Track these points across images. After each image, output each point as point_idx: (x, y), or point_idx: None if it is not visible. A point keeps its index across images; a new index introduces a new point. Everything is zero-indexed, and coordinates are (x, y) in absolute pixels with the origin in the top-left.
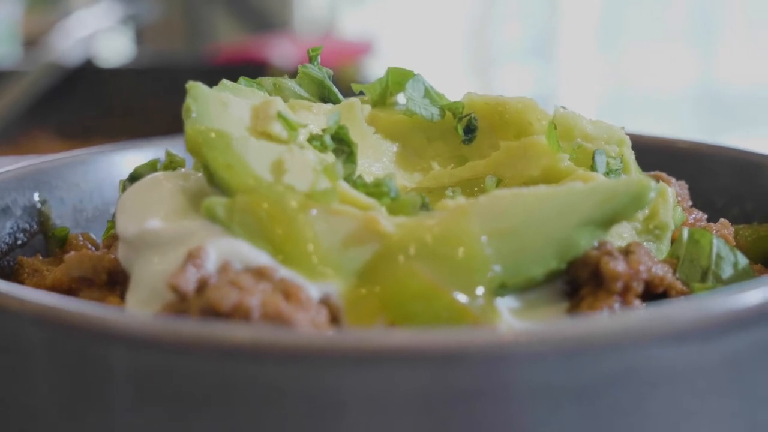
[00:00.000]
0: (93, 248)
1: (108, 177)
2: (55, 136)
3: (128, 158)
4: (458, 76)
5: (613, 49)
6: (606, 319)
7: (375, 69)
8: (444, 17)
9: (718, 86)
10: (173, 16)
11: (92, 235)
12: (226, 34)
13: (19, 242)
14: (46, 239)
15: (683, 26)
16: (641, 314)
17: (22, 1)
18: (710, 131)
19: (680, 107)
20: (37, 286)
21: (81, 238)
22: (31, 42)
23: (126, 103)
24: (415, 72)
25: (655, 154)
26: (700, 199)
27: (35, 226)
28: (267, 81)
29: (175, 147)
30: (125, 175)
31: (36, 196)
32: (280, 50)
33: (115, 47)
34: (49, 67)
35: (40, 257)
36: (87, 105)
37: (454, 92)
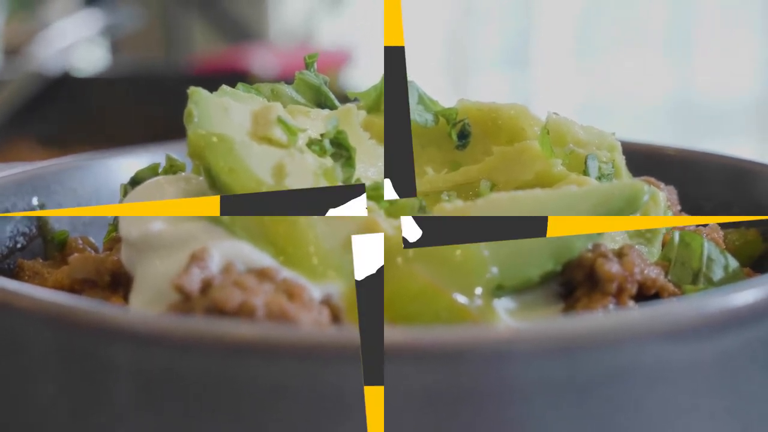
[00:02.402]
0: (93, 251)
1: (105, 182)
2: (36, 144)
3: (125, 163)
4: (435, 84)
5: (589, 57)
6: (605, 317)
7: (354, 78)
8: (420, 26)
9: (693, 95)
10: (152, 26)
11: (91, 239)
12: (203, 44)
13: (19, 245)
14: (45, 243)
15: (659, 35)
16: (639, 312)
17: (1, 10)
18: (685, 140)
19: (656, 115)
20: None
21: (80, 242)
22: (12, 51)
23: (106, 112)
24: (409, 79)
25: (645, 160)
26: (688, 204)
27: (34, 230)
28: (265, 87)
29: (173, 152)
30: (123, 180)
31: (35, 201)
32: (260, 60)
33: (94, 57)
34: (30, 76)
35: (40, 260)
36: (67, 114)
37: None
